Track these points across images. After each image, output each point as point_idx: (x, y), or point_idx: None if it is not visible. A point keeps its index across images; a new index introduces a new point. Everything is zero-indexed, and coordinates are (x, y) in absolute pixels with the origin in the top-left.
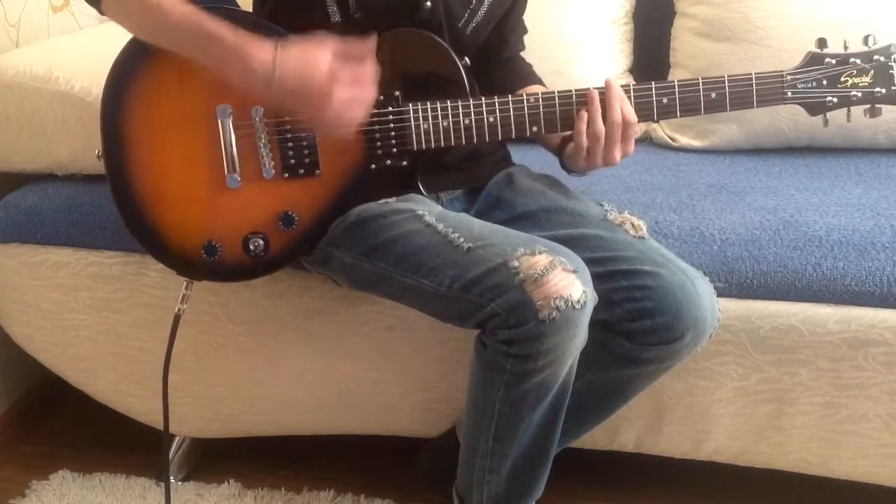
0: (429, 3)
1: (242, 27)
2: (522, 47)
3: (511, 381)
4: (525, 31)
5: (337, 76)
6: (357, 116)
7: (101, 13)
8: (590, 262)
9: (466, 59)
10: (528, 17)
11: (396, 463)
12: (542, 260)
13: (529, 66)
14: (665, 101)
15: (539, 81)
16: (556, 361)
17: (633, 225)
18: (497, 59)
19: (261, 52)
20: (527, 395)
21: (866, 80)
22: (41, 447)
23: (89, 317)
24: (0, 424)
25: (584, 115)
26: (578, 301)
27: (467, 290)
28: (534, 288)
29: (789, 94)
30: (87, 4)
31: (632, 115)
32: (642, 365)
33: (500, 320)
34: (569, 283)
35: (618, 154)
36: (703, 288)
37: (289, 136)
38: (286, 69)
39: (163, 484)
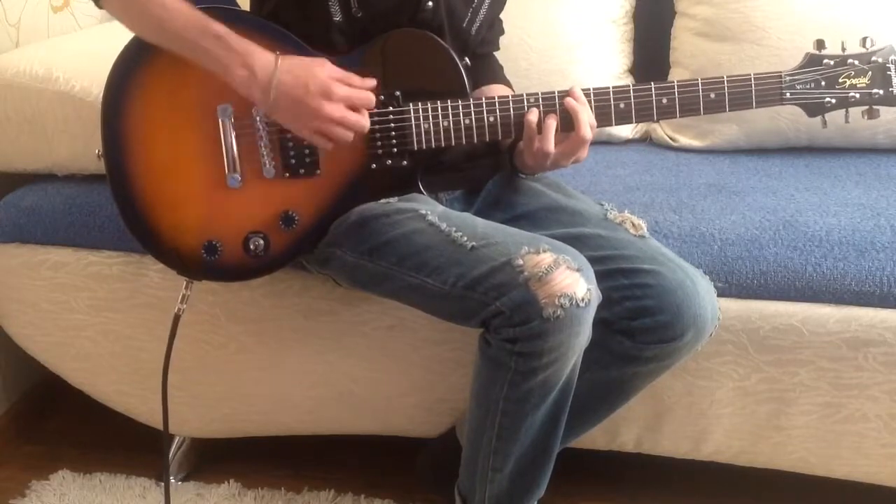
0: (430, 3)
1: (245, 27)
2: (497, 47)
3: (515, 379)
4: (502, 31)
5: (332, 92)
6: (342, 136)
7: (100, 8)
8: (590, 260)
9: (467, 60)
10: (529, 17)
11: (396, 463)
12: (546, 258)
13: (501, 67)
14: (664, 101)
15: (507, 84)
16: (560, 359)
17: (633, 224)
18: (472, 53)
19: (263, 56)
20: (531, 393)
21: (864, 81)
22: (41, 447)
23: (89, 317)
24: (0, 424)
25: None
26: (583, 299)
27: (471, 289)
28: (538, 286)
29: (787, 94)
30: (86, 3)
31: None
32: (642, 363)
33: (505, 318)
34: (573, 282)
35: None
36: (703, 286)
37: (289, 135)
38: (285, 76)
39: (163, 484)
